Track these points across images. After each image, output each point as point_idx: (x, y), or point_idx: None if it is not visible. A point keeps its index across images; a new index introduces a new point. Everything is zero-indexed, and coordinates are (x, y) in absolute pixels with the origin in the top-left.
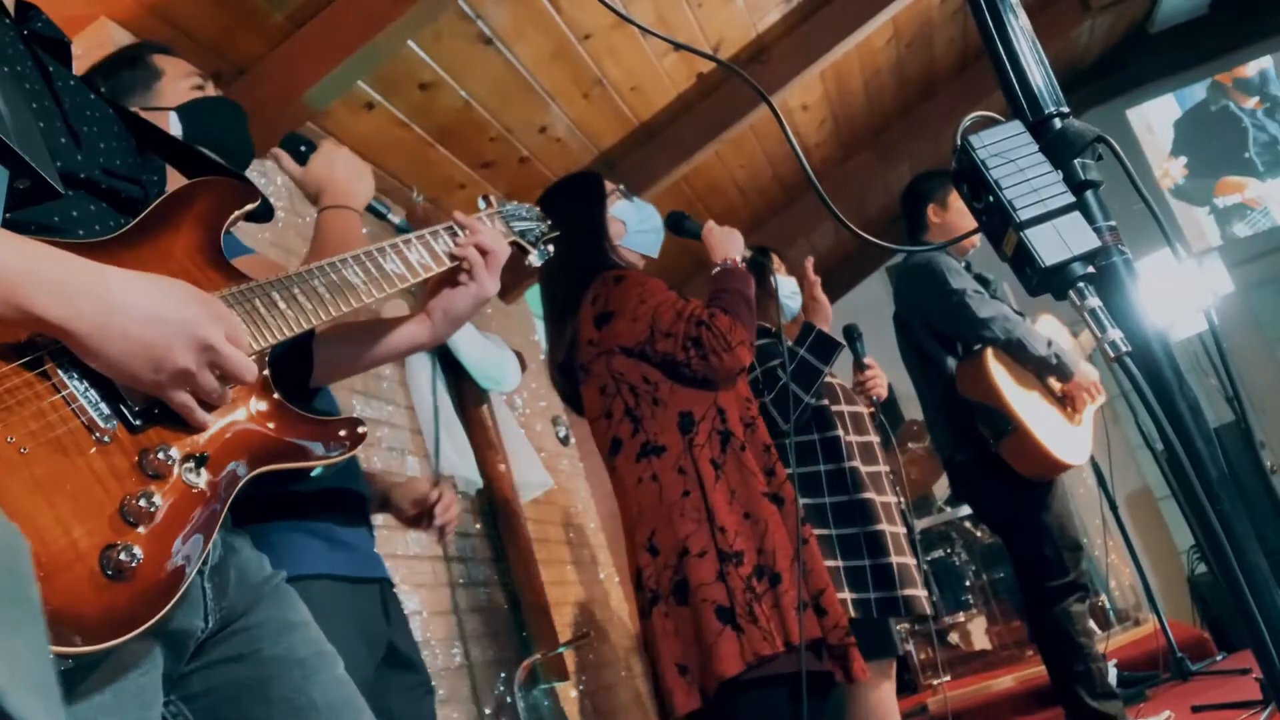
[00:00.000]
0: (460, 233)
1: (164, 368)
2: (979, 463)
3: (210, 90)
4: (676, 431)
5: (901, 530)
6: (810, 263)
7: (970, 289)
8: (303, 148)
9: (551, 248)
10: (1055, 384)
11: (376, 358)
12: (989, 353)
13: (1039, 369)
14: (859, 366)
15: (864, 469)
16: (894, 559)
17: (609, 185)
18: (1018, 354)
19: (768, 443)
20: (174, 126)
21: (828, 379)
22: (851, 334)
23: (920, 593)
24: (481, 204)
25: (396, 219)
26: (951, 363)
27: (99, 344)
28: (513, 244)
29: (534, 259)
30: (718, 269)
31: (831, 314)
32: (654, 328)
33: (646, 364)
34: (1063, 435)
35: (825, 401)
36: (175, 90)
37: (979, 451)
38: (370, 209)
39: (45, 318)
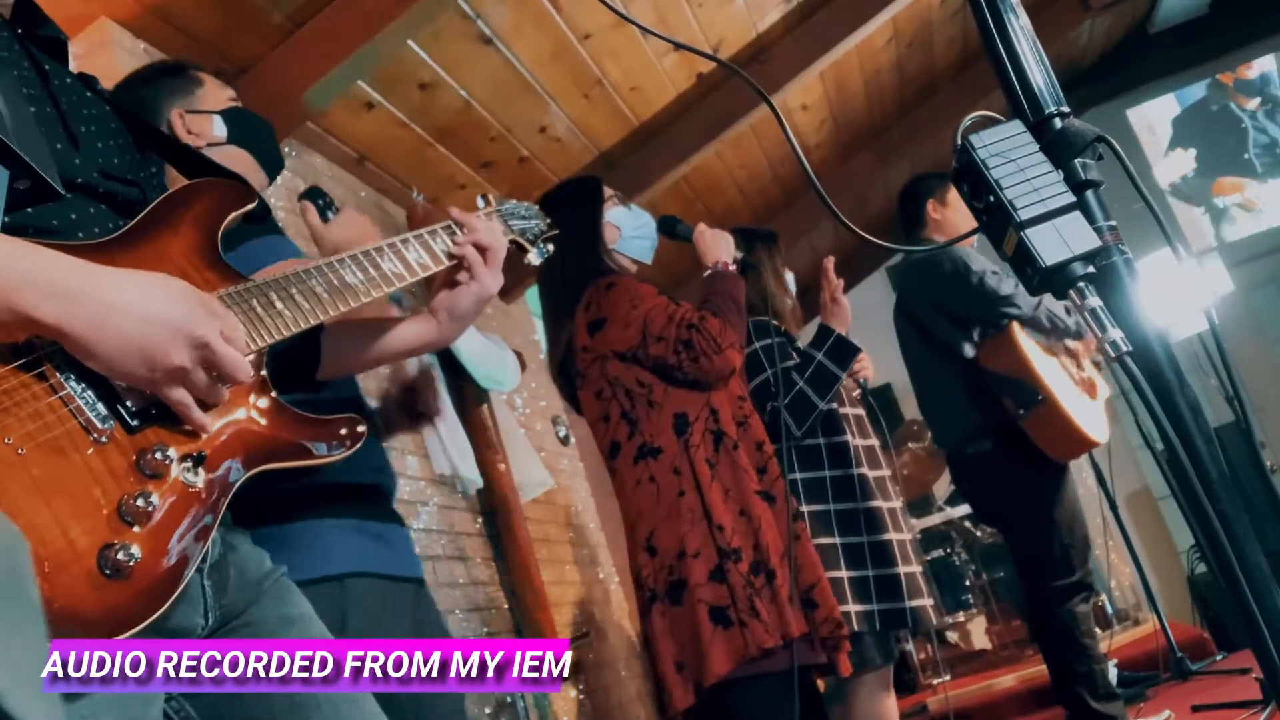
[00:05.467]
0: (459, 231)
1: (159, 366)
2: (997, 451)
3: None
4: (672, 433)
5: (908, 536)
6: (830, 263)
7: (989, 269)
8: (321, 201)
9: (551, 246)
10: (1071, 363)
11: (385, 355)
12: (1015, 325)
13: (1064, 338)
14: None
15: (870, 474)
16: (901, 569)
17: (607, 191)
18: (1044, 327)
19: (760, 440)
20: (218, 127)
21: None
22: None
23: (928, 602)
24: (480, 203)
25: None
26: (969, 347)
27: (94, 344)
28: (512, 242)
29: (533, 257)
30: (709, 272)
31: (851, 316)
32: (645, 332)
33: (640, 368)
34: (1086, 409)
35: (834, 405)
36: (216, 99)
37: (999, 437)
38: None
39: (41, 320)
